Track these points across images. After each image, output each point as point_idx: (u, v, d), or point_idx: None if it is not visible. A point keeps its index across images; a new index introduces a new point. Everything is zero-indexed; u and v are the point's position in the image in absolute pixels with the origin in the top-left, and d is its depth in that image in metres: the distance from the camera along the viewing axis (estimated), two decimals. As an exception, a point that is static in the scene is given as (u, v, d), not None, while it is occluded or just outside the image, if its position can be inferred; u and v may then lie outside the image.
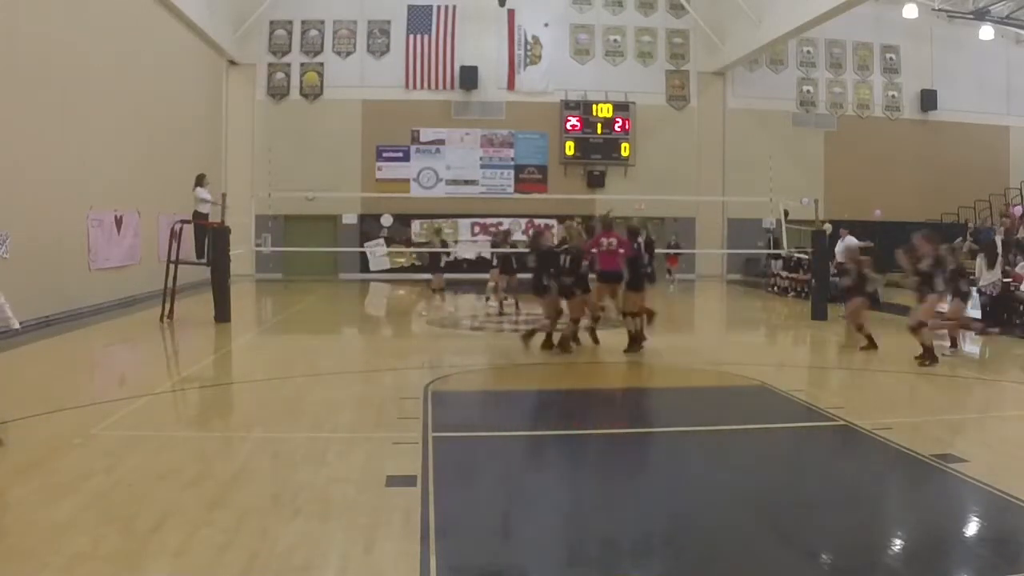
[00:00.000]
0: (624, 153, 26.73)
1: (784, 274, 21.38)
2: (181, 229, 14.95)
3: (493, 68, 26.53)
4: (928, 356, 10.11)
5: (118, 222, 17.01)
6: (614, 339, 11.88)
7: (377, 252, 26.30)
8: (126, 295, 16.98)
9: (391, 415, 7.66)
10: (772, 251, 22.84)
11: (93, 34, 15.81)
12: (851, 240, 16.42)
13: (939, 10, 26.81)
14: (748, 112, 27.38)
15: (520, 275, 15.96)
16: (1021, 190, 25.42)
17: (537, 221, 26.33)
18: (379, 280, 25.65)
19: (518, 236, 26.52)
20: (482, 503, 5.48)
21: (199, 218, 15.21)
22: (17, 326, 6.82)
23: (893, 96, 28.24)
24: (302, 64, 26.30)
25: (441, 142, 26.59)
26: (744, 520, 5.16)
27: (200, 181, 15.50)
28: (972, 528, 5.13)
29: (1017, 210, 22.51)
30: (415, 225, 26.51)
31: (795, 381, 9.53)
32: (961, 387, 9.36)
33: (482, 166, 26.73)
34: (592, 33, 27.22)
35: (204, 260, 15.17)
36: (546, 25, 26.79)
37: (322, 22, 26.39)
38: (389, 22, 26.40)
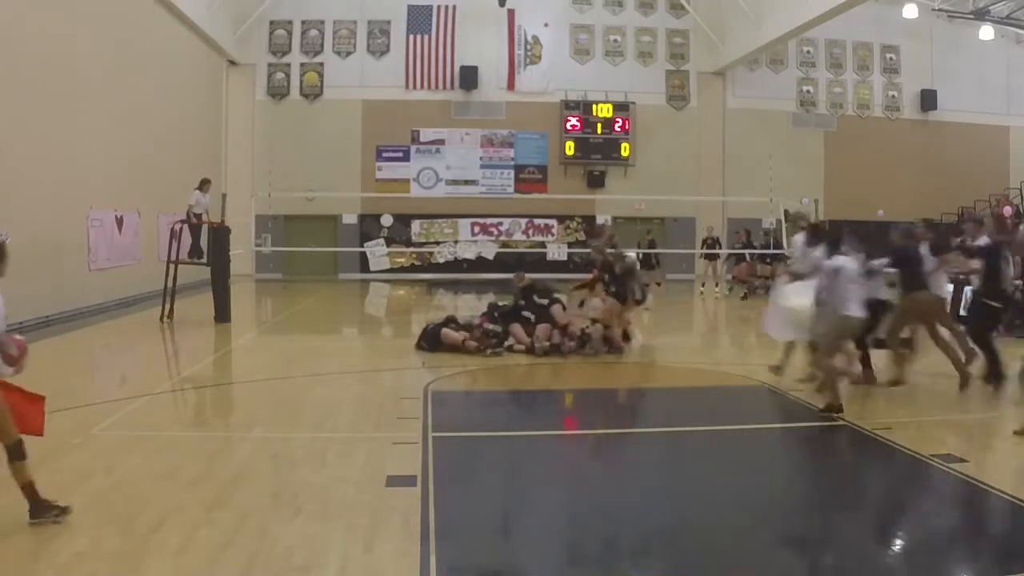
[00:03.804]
0: (624, 153, 26.72)
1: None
2: (181, 229, 14.98)
3: (493, 68, 26.52)
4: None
5: (118, 222, 17.01)
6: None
7: (377, 252, 26.32)
8: (126, 295, 16.97)
9: (391, 415, 7.66)
10: (709, 252, 22.11)
11: (93, 34, 15.81)
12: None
13: (939, 10, 26.81)
14: (748, 112, 27.36)
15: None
16: (1021, 190, 25.42)
17: (537, 222, 26.51)
18: (379, 280, 25.65)
19: (518, 236, 26.62)
20: (482, 503, 5.48)
21: (193, 218, 15.20)
22: None
23: (893, 96, 28.24)
24: (302, 64, 26.30)
25: (441, 142, 26.58)
26: (744, 520, 5.16)
27: (200, 186, 15.48)
28: (972, 528, 5.14)
29: (1007, 210, 22.51)
30: (415, 225, 26.53)
31: (795, 381, 9.51)
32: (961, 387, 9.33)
33: (482, 166, 26.72)
34: (592, 33, 27.22)
35: (204, 260, 15.17)
36: (546, 25, 26.78)
37: (322, 22, 26.39)
38: (389, 22, 26.39)
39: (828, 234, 8.95)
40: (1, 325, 4.78)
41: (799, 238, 9.35)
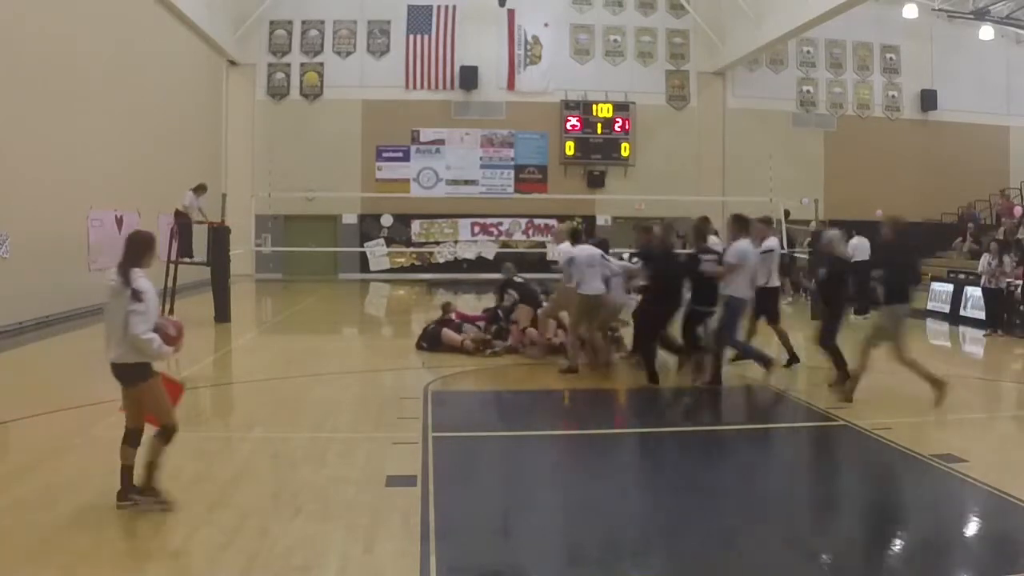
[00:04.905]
0: (624, 153, 26.72)
1: None
2: (181, 230, 14.96)
3: (493, 68, 26.52)
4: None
5: (118, 222, 17.00)
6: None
7: (377, 252, 26.32)
8: (126, 295, 16.95)
9: (391, 415, 7.66)
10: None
11: (93, 34, 15.81)
12: (862, 241, 15.83)
13: (939, 10, 26.80)
14: (748, 112, 27.36)
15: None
16: (1021, 190, 25.41)
17: (537, 222, 26.50)
18: (379, 280, 25.65)
19: (518, 236, 26.62)
20: (482, 503, 5.48)
21: (182, 217, 15.17)
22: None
23: (893, 96, 28.24)
24: (302, 64, 26.31)
25: (441, 142, 26.59)
26: (744, 520, 5.15)
27: (195, 188, 15.42)
28: (972, 528, 5.13)
29: (1017, 210, 22.49)
30: (415, 225, 26.52)
31: (795, 381, 9.52)
32: (961, 387, 9.33)
33: (482, 166, 26.73)
34: (592, 33, 27.22)
35: (204, 260, 15.16)
36: (546, 25, 26.79)
37: (322, 22, 26.39)
38: (389, 22, 26.40)
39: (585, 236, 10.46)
40: (156, 308, 4.99)
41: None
